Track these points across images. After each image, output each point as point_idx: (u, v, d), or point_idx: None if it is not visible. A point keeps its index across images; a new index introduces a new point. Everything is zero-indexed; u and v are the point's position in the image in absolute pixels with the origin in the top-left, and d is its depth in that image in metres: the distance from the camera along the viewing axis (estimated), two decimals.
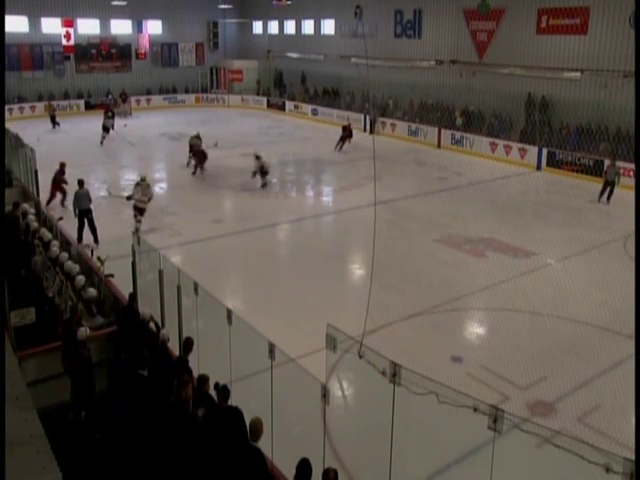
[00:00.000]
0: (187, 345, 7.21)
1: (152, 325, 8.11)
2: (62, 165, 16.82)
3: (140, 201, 14.31)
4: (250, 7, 40.82)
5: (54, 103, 32.72)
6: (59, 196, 16.61)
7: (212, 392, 6.44)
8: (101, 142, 25.90)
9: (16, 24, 32.44)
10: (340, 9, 32.39)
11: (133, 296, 8.65)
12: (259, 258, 13.55)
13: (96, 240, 13.51)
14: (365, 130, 29.37)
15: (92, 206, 14.14)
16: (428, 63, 27.56)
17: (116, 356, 7.77)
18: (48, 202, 15.87)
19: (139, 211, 14.39)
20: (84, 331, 7.41)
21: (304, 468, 5.15)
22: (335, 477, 5.12)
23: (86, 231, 13.89)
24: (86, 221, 13.85)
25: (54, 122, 30.21)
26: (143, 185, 14.66)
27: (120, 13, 35.89)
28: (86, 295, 8.77)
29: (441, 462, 7.07)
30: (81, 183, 14.21)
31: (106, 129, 26.66)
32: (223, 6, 38.28)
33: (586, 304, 10.85)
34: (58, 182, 16.49)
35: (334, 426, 7.16)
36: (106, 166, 22.79)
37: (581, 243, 14.08)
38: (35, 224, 11.35)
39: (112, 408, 6.92)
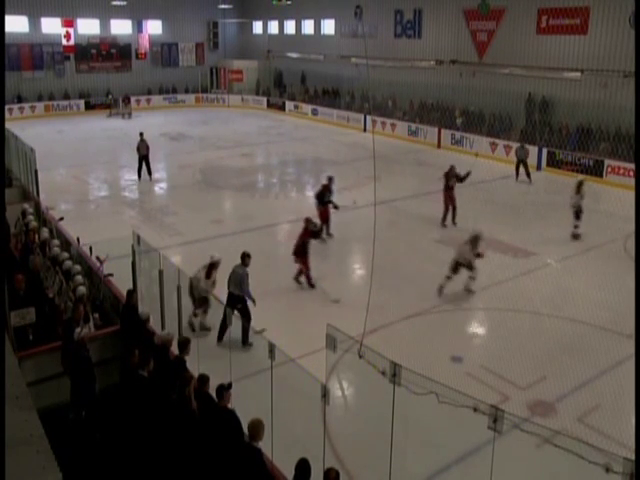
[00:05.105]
0: (183, 345, 7.20)
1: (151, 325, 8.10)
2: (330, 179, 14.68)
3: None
4: (250, 7, 40.80)
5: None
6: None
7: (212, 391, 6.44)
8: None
9: (16, 24, 32.43)
10: (340, 9, 32.37)
11: (131, 292, 8.56)
12: (259, 258, 13.51)
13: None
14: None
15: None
16: (428, 63, 27.55)
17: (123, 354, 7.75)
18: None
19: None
20: (77, 333, 7.42)
21: (303, 468, 5.16)
22: (336, 477, 5.12)
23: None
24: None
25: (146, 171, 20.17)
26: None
27: (120, 13, 35.88)
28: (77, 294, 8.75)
29: (441, 462, 7.07)
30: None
31: None
32: (223, 6, 38.25)
33: (586, 304, 10.83)
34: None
35: (334, 426, 7.15)
36: (106, 166, 22.79)
37: (581, 243, 14.11)
38: (34, 224, 11.36)
39: (113, 408, 6.92)
